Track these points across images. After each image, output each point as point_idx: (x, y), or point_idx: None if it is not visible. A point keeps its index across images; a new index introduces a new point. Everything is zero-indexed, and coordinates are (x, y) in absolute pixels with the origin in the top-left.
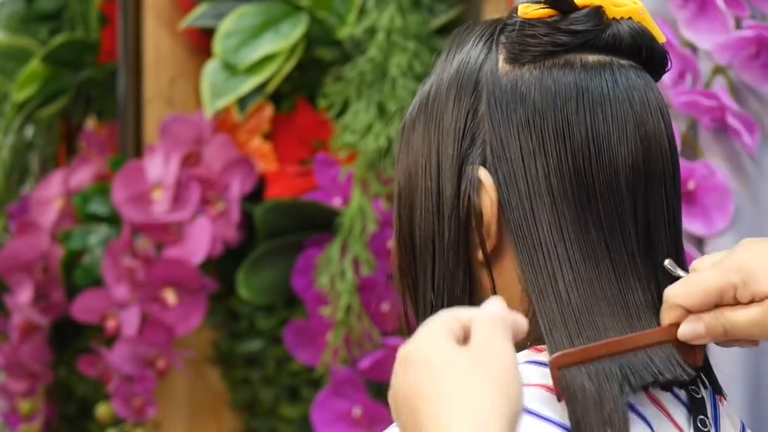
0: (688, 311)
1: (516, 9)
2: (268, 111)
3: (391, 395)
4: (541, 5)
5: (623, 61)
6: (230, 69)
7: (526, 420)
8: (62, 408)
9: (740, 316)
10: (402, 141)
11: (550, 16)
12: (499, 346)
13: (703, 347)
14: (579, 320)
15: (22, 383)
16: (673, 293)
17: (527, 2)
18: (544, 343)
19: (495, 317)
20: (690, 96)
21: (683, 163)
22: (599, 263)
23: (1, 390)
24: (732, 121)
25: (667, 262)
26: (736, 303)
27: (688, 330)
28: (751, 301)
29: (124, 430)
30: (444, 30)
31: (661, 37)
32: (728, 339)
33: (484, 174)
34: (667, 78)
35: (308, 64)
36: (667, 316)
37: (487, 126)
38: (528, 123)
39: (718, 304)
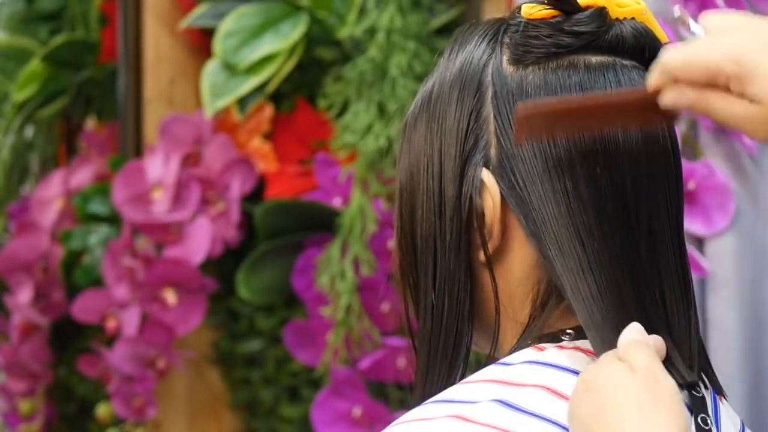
0: (676, 80)
1: (519, 9)
2: (268, 111)
3: (571, 420)
4: (545, 6)
5: (626, 62)
6: (230, 69)
7: (527, 421)
8: (62, 408)
9: (722, 110)
10: (403, 139)
11: (554, 17)
12: (661, 374)
13: (680, 113)
14: (612, 319)
15: (22, 383)
16: (671, 60)
17: (529, 2)
18: (544, 342)
19: (645, 344)
20: None
21: (684, 163)
22: (615, 264)
23: (1, 390)
24: None
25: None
26: (725, 89)
27: (673, 97)
28: (741, 96)
29: (124, 430)
30: (444, 30)
31: (663, 38)
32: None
33: (486, 175)
34: None
35: (308, 64)
36: (655, 79)
37: (492, 128)
38: None
39: (706, 84)
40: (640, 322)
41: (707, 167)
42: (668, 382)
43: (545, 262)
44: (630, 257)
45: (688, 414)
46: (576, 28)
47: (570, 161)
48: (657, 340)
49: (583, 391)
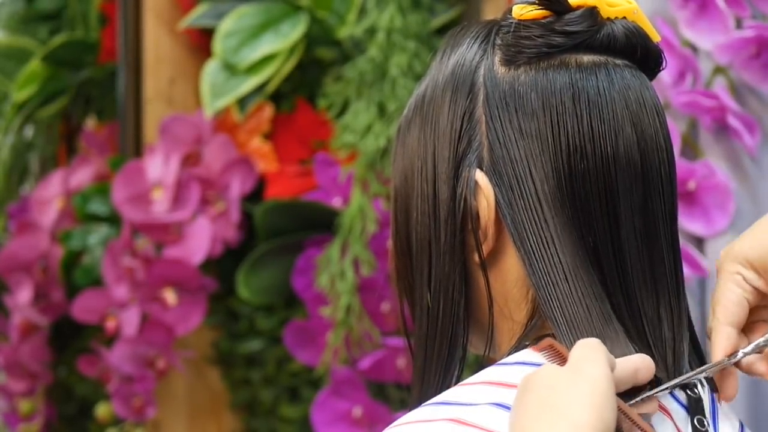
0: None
1: (510, 10)
2: (268, 111)
3: (509, 423)
4: (535, 6)
5: (618, 61)
6: (230, 69)
7: None
8: (62, 408)
9: None
10: (397, 143)
11: (545, 17)
12: (589, 366)
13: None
14: (578, 329)
15: (22, 383)
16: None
17: (523, 3)
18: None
19: (593, 342)
20: (690, 96)
21: (684, 163)
22: (593, 270)
23: (1, 390)
24: (732, 121)
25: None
26: None
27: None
28: None
29: (124, 430)
30: (444, 30)
31: (655, 36)
32: None
33: (480, 176)
34: (667, 78)
35: (308, 64)
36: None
37: (484, 128)
38: (526, 125)
39: None
40: (621, 324)
41: (707, 167)
42: (593, 373)
43: (528, 263)
44: (616, 260)
45: (612, 410)
46: (567, 28)
47: (557, 161)
48: (636, 360)
49: (519, 392)
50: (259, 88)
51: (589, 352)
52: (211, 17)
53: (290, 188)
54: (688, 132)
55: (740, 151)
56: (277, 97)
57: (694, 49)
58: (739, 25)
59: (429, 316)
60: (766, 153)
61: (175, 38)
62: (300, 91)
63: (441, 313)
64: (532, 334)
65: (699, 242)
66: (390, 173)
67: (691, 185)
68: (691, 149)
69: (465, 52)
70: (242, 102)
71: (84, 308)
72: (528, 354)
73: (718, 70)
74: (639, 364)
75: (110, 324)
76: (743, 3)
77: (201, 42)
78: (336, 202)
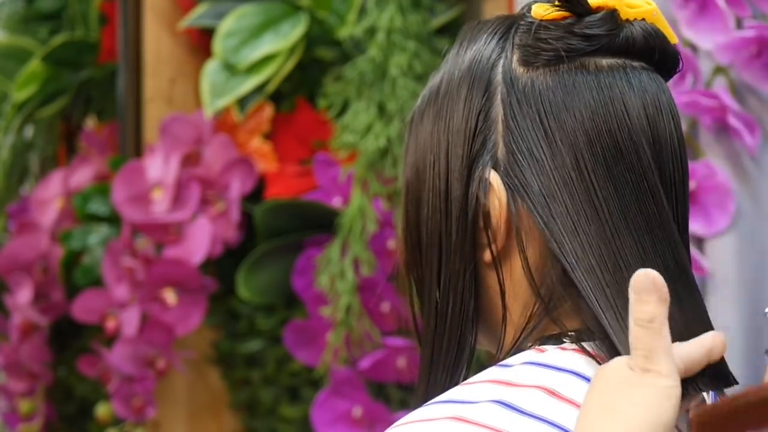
0: None
1: (529, 8)
2: (268, 111)
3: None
4: (555, 8)
5: (635, 63)
6: (230, 69)
7: (526, 422)
8: (62, 408)
9: None
10: (410, 134)
11: (565, 18)
12: (661, 367)
13: None
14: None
15: (22, 383)
16: None
17: (536, 2)
18: (547, 343)
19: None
20: (691, 96)
21: None
22: (621, 270)
23: (1, 390)
24: (733, 121)
25: None
26: None
27: None
28: None
29: (124, 430)
30: (444, 30)
31: (673, 38)
32: None
33: (494, 177)
34: None
35: (308, 64)
36: None
37: (500, 129)
38: (544, 128)
39: None
40: None
41: (708, 167)
42: (660, 381)
43: (564, 265)
44: (646, 257)
45: (672, 412)
46: (587, 31)
47: (575, 164)
48: (706, 340)
49: (590, 385)
50: (259, 88)
51: (654, 356)
52: (211, 17)
53: (290, 188)
54: (689, 132)
55: (741, 151)
56: (277, 97)
57: (694, 48)
58: (739, 25)
59: (438, 313)
60: (766, 153)
61: (175, 38)
62: (300, 91)
63: (450, 311)
64: (534, 336)
65: (699, 242)
66: (391, 172)
67: (692, 185)
68: (692, 149)
69: (482, 48)
70: (242, 102)
71: (84, 308)
72: (532, 354)
73: (719, 70)
74: (710, 344)
75: (110, 324)
76: (743, 3)
77: (201, 42)
78: (336, 202)
